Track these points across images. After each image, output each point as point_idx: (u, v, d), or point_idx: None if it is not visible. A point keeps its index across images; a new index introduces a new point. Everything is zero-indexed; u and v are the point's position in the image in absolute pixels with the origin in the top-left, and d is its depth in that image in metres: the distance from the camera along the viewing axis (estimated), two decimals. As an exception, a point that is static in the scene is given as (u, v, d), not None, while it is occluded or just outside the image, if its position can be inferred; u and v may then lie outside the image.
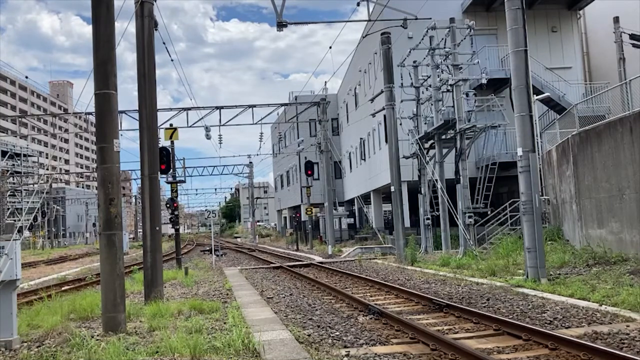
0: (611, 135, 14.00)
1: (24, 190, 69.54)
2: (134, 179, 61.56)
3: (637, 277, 11.16)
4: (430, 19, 21.28)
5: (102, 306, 8.66)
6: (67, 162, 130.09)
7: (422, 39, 21.91)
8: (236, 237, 79.36)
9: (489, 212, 22.13)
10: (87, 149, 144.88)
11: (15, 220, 63.88)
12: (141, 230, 36.26)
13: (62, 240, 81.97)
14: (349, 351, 7.08)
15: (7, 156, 70.56)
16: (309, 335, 7.96)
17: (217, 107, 30.89)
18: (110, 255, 8.63)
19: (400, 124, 23.61)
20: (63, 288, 16.12)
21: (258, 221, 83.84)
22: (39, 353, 7.34)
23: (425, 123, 23.70)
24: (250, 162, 63.58)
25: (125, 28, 14.75)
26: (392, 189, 22.38)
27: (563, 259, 14.45)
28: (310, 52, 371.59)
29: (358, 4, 18.80)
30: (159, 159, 13.47)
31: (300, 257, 27.97)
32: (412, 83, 23.98)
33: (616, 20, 26.15)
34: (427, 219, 23.45)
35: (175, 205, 21.46)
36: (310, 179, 37.35)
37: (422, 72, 23.79)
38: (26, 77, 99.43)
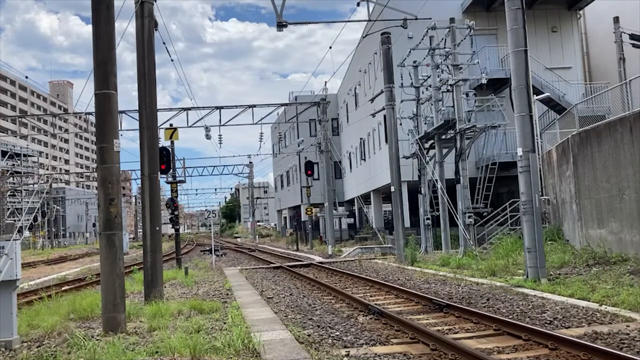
0: (611, 135, 13.99)
1: (24, 190, 69.52)
2: (134, 179, 61.60)
3: (637, 277, 11.16)
4: (430, 19, 21.27)
5: (102, 306, 8.66)
6: (67, 162, 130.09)
7: (422, 39, 21.90)
8: (236, 237, 79.31)
9: (488, 212, 22.12)
10: (87, 149, 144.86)
11: (15, 220, 63.88)
12: (141, 230, 36.24)
13: (62, 240, 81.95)
14: (349, 351, 7.07)
15: (7, 156, 70.53)
16: (309, 335, 7.96)
17: (217, 107, 30.87)
18: (110, 255, 8.63)
19: (400, 124, 23.60)
20: (63, 288, 16.12)
21: (258, 221, 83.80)
22: (39, 353, 7.34)
23: (425, 123, 23.70)
24: (250, 162, 63.71)
25: (125, 28, 14.75)
26: (392, 189, 22.37)
27: (563, 259, 14.45)
28: (309, 52, 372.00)
29: (358, 4, 18.80)
30: (159, 159, 13.46)
31: (300, 257, 27.97)
32: (412, 83, 23.98)
33: (616, 20, 26.13)
34: (427, 219, 23.45)
35: (175, 205, 21.45)
36: (310, 179, 37.32)
37: (422, 72, 23.79)
38: (26, 77, 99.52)
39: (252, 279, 17.40)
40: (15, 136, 75.27)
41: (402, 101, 24.16)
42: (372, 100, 27.27)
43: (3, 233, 52.47)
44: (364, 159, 38.22)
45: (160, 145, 16.72)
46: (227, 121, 33.92)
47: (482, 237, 21.72)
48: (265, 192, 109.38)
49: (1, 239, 8.06)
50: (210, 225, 29.21)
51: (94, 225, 79.58)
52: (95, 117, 9.06)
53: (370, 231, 35.46)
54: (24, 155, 78.51)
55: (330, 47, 24.47)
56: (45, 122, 77.17)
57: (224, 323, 8.80)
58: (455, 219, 20.21)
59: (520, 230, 15.76)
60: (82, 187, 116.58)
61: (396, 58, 23.00)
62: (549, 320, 8.46)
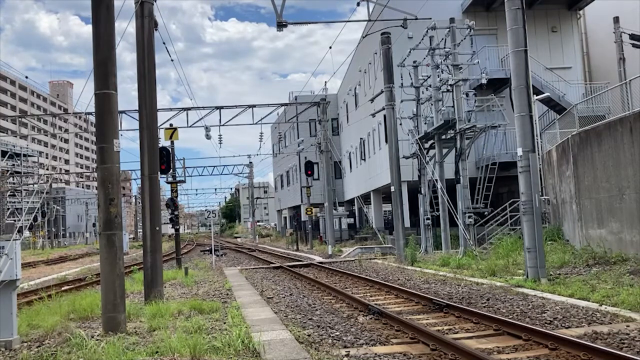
0: (611, 135, 14.00)
1: (24, 190, 69.50)
2: (134, 179, 61.59)
3: (637, 277, 11.16)
4: (430, 19, 21.27)
5: (102, 306, 8.66)
6: (67, 162, 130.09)
7: (422, 39, 21.90)
8: (236, 237, 79.31)
9: (488, 212, 22.11)
10: (87, 149, 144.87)
11: (15, 220, 63.87)
12: (141, 230, 36.23)
13: (62, 240, 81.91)
14: (349, 351, 7.08)
15: (7, 156, 70.51)
16: (309, 335, 7.96)
17: (217, 107, 30.88)
18: (110, 255, 8.62)
19: (400, 124, 23.60)
20: (63, 288, 16.12)
21: (258, 221, 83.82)
22: (39, 353, 7.35)
23: (425, 123, 23.70)
24: (250, 162, 63.81)
25: (125, 28, 14.75)
26: (392, 189, 22.37)
27: (563, 259, 14.45)
28: (309, 52, 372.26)
29: (358, 4, 18.79)
30: (159, 159, 13.46)
31: (300, 257, 27.96)
32: (412, 83, 23.98)
33: (616, 20, 26.14)
34: (427, 219, 23.43)
35: (175, 205, 21.45)
36: (310, 179, 37.33)
37: (422, 72, 23.78)
38: (26, 77, 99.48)
39: (252, 279, 17.40)
40: (15, 136, 75.26)
41: (402, 101, 24.16)
42: (372, 100, 27.27)
43: (3, 233, 52.47)
44: (364, 159, 38.21)
45: (160, 145, 16.72)
46: (227, 121, 33.96)
47: (482, 237, 21.72)
48: (265, 192, 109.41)
49: (1, 239, 8.08)
50: (210, 225, 29.20)
51: (94, 225, 79.60)
52: (95, 117, 9.06)
53: (370, 231, 35.45)
54: (24, 155, 78.45)
55: (330, 47, 24.45)
56: (45, 122, 77.20)
57: (224, 323, 8.80)
58: (455, 219, 20.21)
59: (520, 230, 15.76)
60: (82, 187, 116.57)
61: (396, 58, 23.00)
62: (549, 320, 8.46)
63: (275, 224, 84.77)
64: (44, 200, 62.37)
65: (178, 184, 22.52)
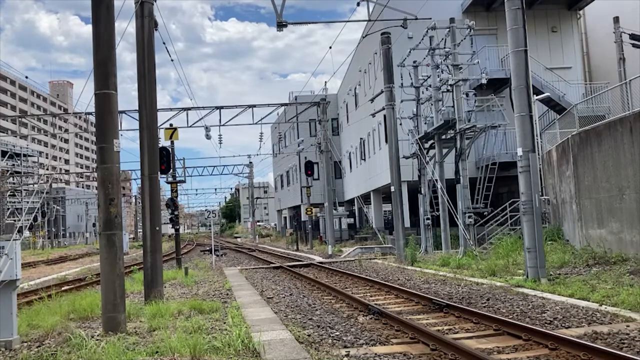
0: (611, 135, 14.00)
1: (24, 190, 69.50)
2: (134, 179, 61.57)
3: (637, 277, 11.16)
4: (430, 19, 21.27)
5: (102, 306, 8.66)
6: (67, 162, 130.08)
7: (422, 39, 21.90)
8: (236, 237, 79.30)
9: (488, 212, 22.11)
10: (87, 149, 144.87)
11: (15, 220, 63.87)
12: (141, 230, 36.24)
13: (62, 240, 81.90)
14: (349, 351, 7.08)
15: (7, 156, 70.52)
16: (309, 335, 7.97)
17: (217, 107, 30.89)
18: (110, 255, 8.63)
19: (400, 124, 23.60)
20: (63, 288, 16.12)
21: (258, 221, 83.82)
22: (39, 353, 7.35)
23: (425, 123, 23.70)
24: (250, 162, 63.81)
25: (125, 28, 14.75)
26: (392, 189, 22.38)
27: (563, 259, 14.45)
28: (309, 52, 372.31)
29: (358, 4, 18.79)
30: (159, 159, 13.46)
31: (300, 257, 27.96)
32: (412, 83, 23.98)
33: (616, 20, 26.14)
34: (427, 219, 23.43)
35: (175, 205, 21.45)
36: (310, 179, 37.33)
37: (422, 72, 23.78)
38: (26, 77, 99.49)
39: (252, 279, 17.40)
40: (15, 136, 75.27)
41: (402, 101, 24.16)
42: (372, 100, 27.27)
43: (3, 233, 52.48)
44: (364, 159, 38.21)
45: (160, 145, 16.73)
46: (227, 121, 33.98)
47: (482, 237, 21.71)
48: (265, 192, 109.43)
49: (1, 239, 8.09)
50: (210, 225, 29.22)
51: (94, 225, 79.56)
52: (95, 117, 9.06)
53: (370, 231, 35.45)
54: (24, 155, 78.48)
55: (330, 47, 24.43)
56: (45, 122, 77.19)
57: (224, 323, 8.81)
58: (455, 219, 20.21)
59: (520, 230, 15.75)
60: (82, 187, 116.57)
61: (396, 58, 23.00)
62: (549, 320, 8.46)
63: (275, 224, 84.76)
64: (44, 200, 62.37)
65: (178, 184, 22.53)
